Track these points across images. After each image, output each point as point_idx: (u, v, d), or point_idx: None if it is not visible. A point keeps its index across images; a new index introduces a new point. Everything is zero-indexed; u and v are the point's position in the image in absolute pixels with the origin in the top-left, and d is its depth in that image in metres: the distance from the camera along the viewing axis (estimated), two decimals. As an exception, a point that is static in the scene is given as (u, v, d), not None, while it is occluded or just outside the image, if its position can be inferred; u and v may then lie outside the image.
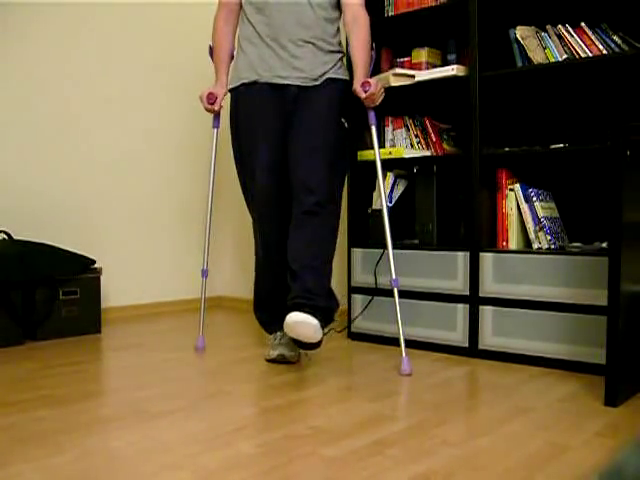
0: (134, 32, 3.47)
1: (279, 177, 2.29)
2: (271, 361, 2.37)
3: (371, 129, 2.39)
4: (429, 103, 2.90)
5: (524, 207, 2.42)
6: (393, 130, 2.87)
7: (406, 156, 2.69)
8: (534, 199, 2.41)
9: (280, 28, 2.25)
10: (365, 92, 2.25)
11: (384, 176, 2.78)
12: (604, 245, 2.31)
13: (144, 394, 1.95)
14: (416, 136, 2.80)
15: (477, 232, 2.46)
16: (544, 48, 2.39)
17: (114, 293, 3.38)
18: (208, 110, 2.48)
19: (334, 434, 1.59)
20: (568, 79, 2.49)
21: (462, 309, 2.48)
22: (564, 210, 2.53)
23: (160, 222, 3.63)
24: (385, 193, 2.74)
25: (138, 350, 2.59)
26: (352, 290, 2.83)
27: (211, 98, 2.44)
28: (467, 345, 2.47)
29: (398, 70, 2.69)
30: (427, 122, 2.77)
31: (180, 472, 1.36)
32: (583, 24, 2.30)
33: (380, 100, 2.32)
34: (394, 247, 2.54)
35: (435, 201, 2.64)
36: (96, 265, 2.99)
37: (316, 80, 2.27)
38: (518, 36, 2.44)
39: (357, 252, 2.81)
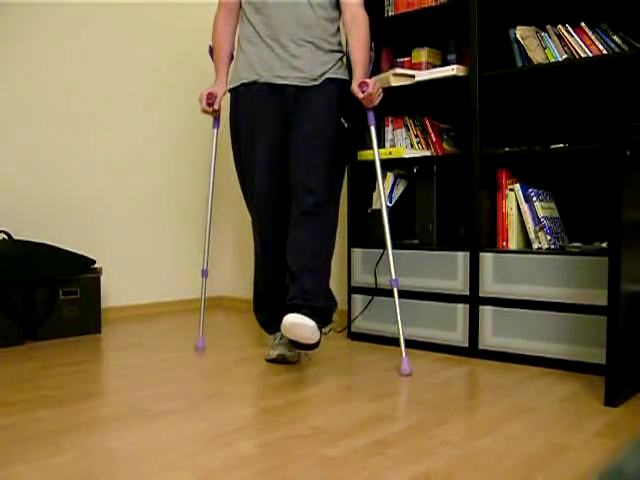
0: (134, 32, 3.47)
1: (278, 177, 2.29)
2: (271, 361, 2.37)
3: (370, 129, 2.39)
4: (429, 103, 2.90)
5: (524, 207, 2.42)
6: (393, 130, 2.87)
7: (406, 156, 2.69)
8: (534, 199, 2.41)
9: (279, 28, 2.25)
10: (363, 92, 2.25)
11: (384, 176, 2.78)
12: (604, 245, 2.31)
13: (144, 394, 1.95)
14: (416, 136, 2.80)
15: (477, 232, 2.46)
16: (544, 48, 2.39)
17: (114, 293, 3.38)
18: (205, 111, 2.47)
19: (334, 434, 1.59)
20: (568, 79, 2.49)
21: (462, 309, 2.48)
22: (564, 210, 2.53)
23: (160, 222, 3.63)
24: (385, 193, 2.74)
25: (138, 350, 2.59)
26: (352, 290, 2.83)
27: (210, 98, 2.44)
28: (467, 345, 2.47)
29: (398, 70, 2.69)
30: (427, 122, 2.77)
31: (180, 472, 1.36)
32: (583, 24, 2.30)
33: (378, 100, 2.32)
34: (394, 247, 2.54)
35: (435, 201, 2.64)
36: (96, 265, 2.99)
37: (315, 80, 2.27)
38: (518, 36, 2.44)
39: (357, 252, 2.81)
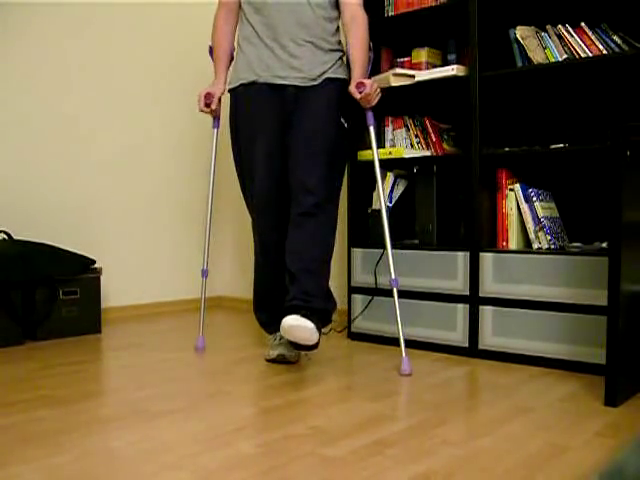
0: (134, 32, 3.47)
1: (278, 177, 2.29)
2: (271, 361, 2.37)
3: (369, 129, 2.39)
4: (429, 103, 2.89)
5: (524, 207, 2.42)
6: (393, 130, 2.87)
7: (406, 156, 2.69)
8: (534, 199, 2.41)
9: (279, 28, 2.25)
10: (360, 93, 2.25)
11: (384, 176, 2.78)
12: (604, 245, 2.31)
13: (144, 394, 1.95)
14: (416, 136, 2.80)
15: (477, 232, 2.46)
16: (544, 48, 2.39)
17: (114, 293, 3.38)
18: (203, 111, 2.47)
19: (334, 434, 1.59)
20: (568, 79, 2.49)
21: (462, 309, 2.48)
22: (564, 210, 2.53)
23: (160, 222, 3.63)
24: (384, 193, 2.74)
25: (138, 350, 2.59)
26: (352, 290, 2.83)
27: (208, 98, 2.45)
28: (467, 345, 2.47)
29: (398, 70, 2.69)
30: (427, 122, 2.77)
31: (180, 472, 1.36)
32: (583, 24, 2.30)
33: (376, 101, 2.31)
34: (394, 247, 2.54)
35: (435, 201, 2.64)
36: (96, 265, 2.99)
37: (315, 80, 2.27)
38: (518, 36, 2.44)
39: (357, 252, 2.81)
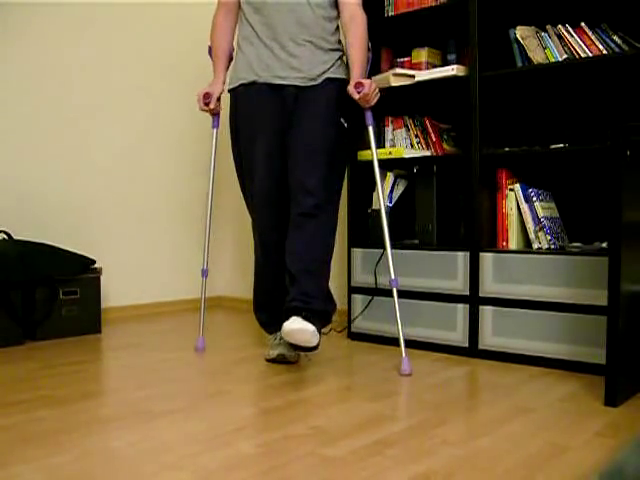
0: (134, 32, 3.46)
1: (278, 177, 2.29)
2: (271, 361, 2.37)
3: (368, 129, 2.39)
4: (429, 103, 2.89)
5: (524, 207, 2.42)
6: (393, 130, 2.87)
7: (406, 156, 2.69)
8: (534, 199, 2.41)
9: (279, 28, 2.25)
10: (358, 93, 2.25)
11: (384, 176, 2.78)
12: (604, 245, 2.31)
13: (144, 394, 1.95)
14: (416, 136, 2.80)
15: (477, 232, 2.46)
16: (544, 48, 2.39)
17: (114, 293, 3.38)
18: (203, 110, 2.48)
19: (334, 434, 1.59)
20: (568, 79, 2.49)
21: (462, 309, 2.48)
22: (564, 210, 2.53)
23: (160, 222, 3.63)
24: (384, 193, 2.74)
25: (138, 350, 2.59)
26: (352, 290, 2.83)
27: (207, 98, 2.45)
28: (467, 345, 2.47)
29: (398, 70, 2.69)
30: (427, 122, 2.77)
31: (180, 472, 1.36)
32: (583, 24, 2.30)
33: (375, 101, 2.31)
34: (394, 247, 2.54)
35: (435, 201, 2.64)
36: (96, 265, 2.99)
37: (315, 80, 2.27)
38: (518, 36, 2.44)
39: (357, 252, 2.81)
